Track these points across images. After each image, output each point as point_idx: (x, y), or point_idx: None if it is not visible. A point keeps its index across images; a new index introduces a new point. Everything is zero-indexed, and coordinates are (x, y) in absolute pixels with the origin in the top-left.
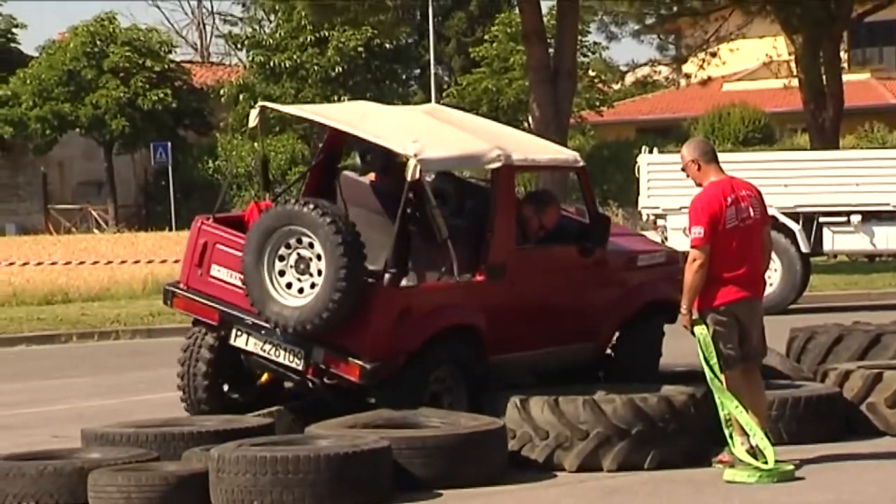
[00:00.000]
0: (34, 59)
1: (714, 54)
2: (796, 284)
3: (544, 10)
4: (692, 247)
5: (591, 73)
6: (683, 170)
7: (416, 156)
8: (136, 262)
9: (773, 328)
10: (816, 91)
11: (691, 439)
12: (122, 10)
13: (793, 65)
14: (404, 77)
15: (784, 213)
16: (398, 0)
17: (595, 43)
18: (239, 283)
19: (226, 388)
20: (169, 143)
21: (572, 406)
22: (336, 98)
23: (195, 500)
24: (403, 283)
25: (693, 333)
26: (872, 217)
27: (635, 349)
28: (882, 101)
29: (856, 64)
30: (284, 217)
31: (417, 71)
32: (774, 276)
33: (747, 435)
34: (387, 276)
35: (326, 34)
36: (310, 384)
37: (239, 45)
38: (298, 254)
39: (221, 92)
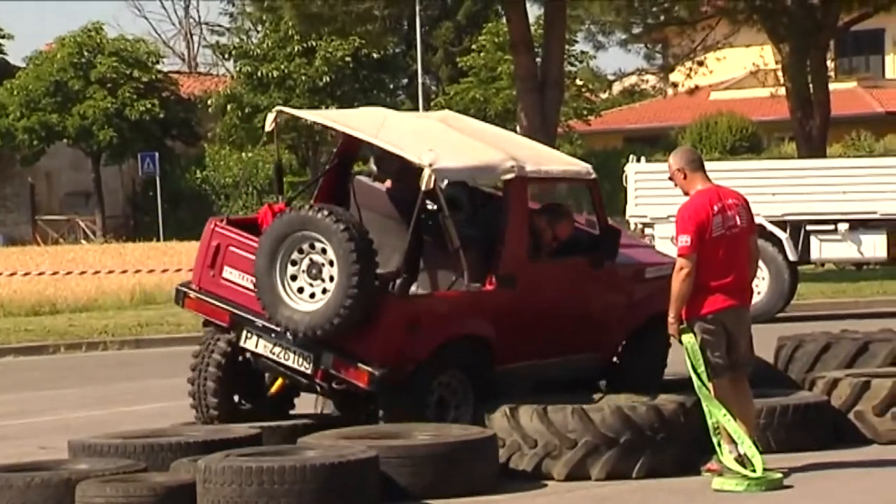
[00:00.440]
0: (21, 69)
1: (701, 63)
2: (784, 293)
3: (532, 20)
4: (679, 255)
5: (578, 82)
6: (670, 178)
7: (431, 165)
8: (124, 272)
9: (760, 336)
10: (803, 100)
11: (680, 448)
12: (110, 21)
13: (780, 73)
14: (392, 87)
15: (771, 222)
16: (385, 10)
17: (582, 52)
18: (250, 286)
19: (236, 398)
20: (156, 154)
21: (561, 415)
22: (323, 108)
23: None
24: (413, 290)
25: (681, 342)
26: (860, 225)
27: (641, 359)
28: (869, 109)
29: (842, 73)
30: (298, 222)
31: (405, 80)
32: (762, 284)
33: (735, 443)
34: (397, 280)
35: (314, 44)
36: (318, 388)
37: (226, 56)
38: (311, 259)
39: (209, 102)
